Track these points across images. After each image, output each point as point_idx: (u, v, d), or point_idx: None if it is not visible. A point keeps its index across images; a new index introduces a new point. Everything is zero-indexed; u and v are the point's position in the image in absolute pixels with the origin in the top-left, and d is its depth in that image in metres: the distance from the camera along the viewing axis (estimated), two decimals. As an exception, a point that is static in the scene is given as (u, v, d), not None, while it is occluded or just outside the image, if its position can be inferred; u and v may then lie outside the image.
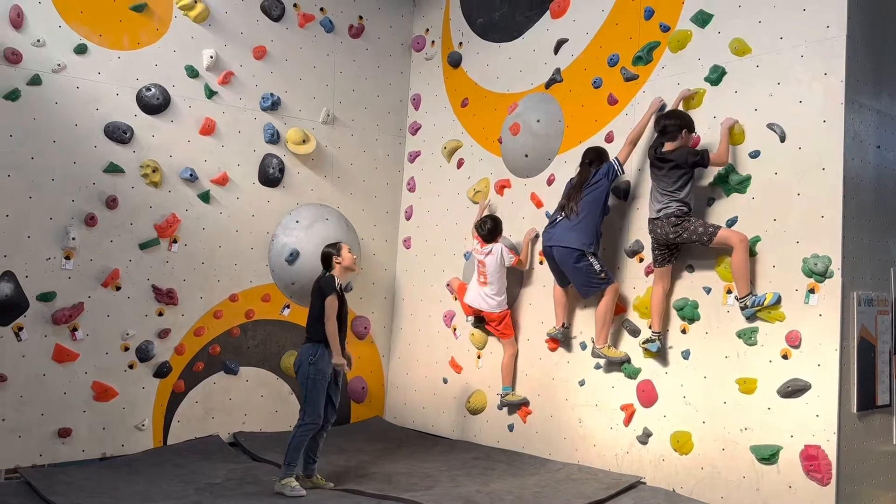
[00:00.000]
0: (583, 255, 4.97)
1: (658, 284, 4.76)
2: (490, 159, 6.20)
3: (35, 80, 5.11)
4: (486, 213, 6.00)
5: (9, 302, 4.96)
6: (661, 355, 4.84)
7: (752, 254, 4.44)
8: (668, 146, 4.62)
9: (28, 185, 5.08)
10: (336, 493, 4.66)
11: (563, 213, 5.10)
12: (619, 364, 5.01)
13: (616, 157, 5.04)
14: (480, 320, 5.89)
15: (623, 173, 5.06)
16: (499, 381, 5.84)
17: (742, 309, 4.41)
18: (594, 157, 5.13)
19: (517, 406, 5.67)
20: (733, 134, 4.58)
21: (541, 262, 5.65)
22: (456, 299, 6.27)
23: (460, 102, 6.53)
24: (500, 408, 5.81)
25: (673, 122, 4.64)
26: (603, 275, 5.00)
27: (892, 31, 4.53)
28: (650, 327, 4.83)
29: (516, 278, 5.83)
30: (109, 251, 5.38)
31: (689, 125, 4.64)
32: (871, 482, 4.25)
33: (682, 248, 4.72)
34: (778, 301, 4.30)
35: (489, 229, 5.68)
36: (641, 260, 5.05)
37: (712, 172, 4.66)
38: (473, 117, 6.41)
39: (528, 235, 5.73)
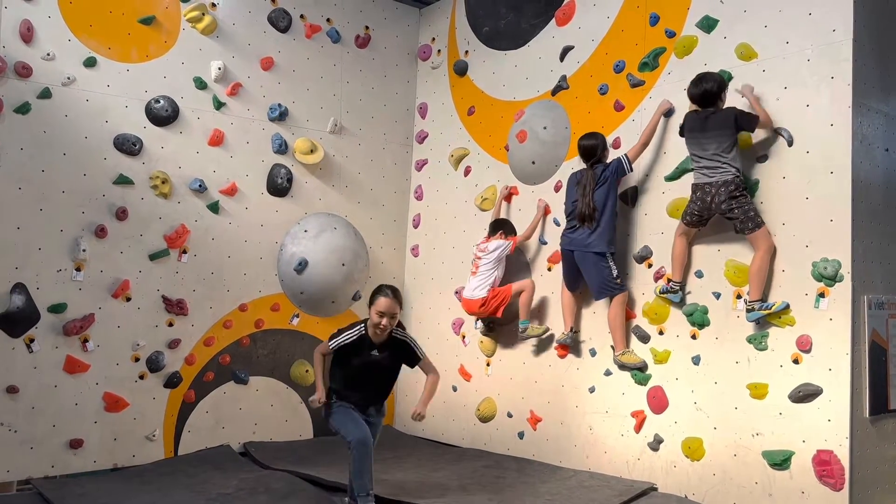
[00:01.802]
0: (604, 257, 4.98)
1: (681, 236, 4.69)
2: (497, 167, 6.21)
3: (45, 94, 5.16)
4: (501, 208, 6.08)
5: (20, 314, 4.99)
6: (671, 361, 4.83)
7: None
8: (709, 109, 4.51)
9: (38, 198, 5.11)
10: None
11: (578, 222, 5.06)
12: (639, 369, 4.98)
13: (626, 154, 5.02)
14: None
15: (631, 171, 5.04)
16: (508, 389, 5.84)
17: (748, 311, 4.38)
18: (598, 155, 5.08)
19: (547, 342, 5.56)
20: (741, 137, 4.57)
21: (549, 269, 5.65)
22: (464, 307, 6.29)
23: (467, 110, 6.56)
24: (521, 338, 5.64)
25: (712, 88, 4.44)
26: (619, 280, 5.00)
27: (899, 34, 4.52)
28: (669, 279, 4.78)
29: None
30: (119, 262, 5.42)
31: (724, 87, 4.49)
32: (884, 487, 4.22)
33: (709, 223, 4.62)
34: (786, 308, 4.29)
35: (493, 226, 5.80)
36: (650, 266, 5.04)
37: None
38: (480, 125, 6.43)
39: (539, 206, 5.74)
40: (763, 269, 4.32)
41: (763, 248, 4.31)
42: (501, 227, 5.77)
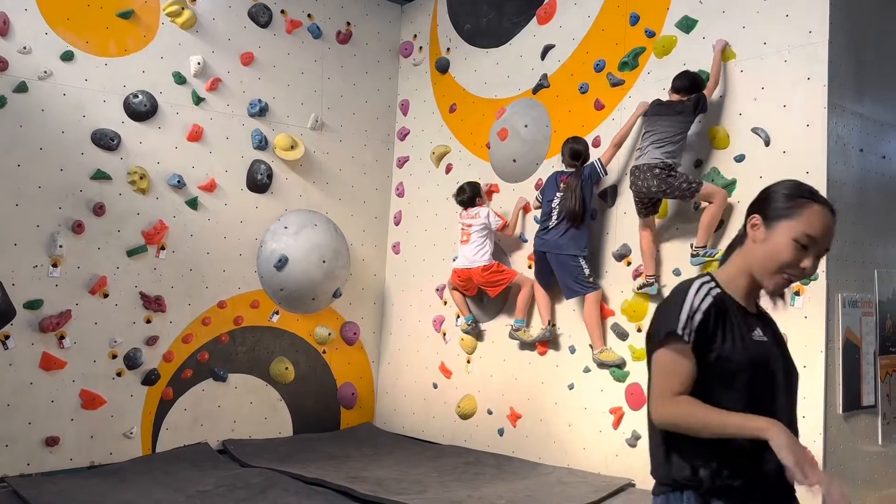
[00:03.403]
0: (576, 258, 5.03)
1: (644, 230, 4.83)
2: (478, 164, 6.22)
3: (21, 88, 5.09)
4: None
5: (-5, 310, 4.93)
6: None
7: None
8: (674, 97, 4.67)
9: (14, 193, 5.05)
10: (328, 492, 4.66)
11: (555, 219, 5.12)
12: (617, 366, 5.02)
13: (599, 159, 5.08)
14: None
15: (606, 175, 5.10)
16: (488, 386, 5.86)
17: (692, 256, 4.53)
18: (584, 157, 5.14)
19: (530, 345, 5.57)
20: (719, 137, 4.63)
21: (529, 267, 5.68)
22: (446, 303, 6.29)
23: (448, 108, 6.56)
24: (511, 336, 5.61)
25: (688, 83, 4.60)
26: (591, 279, 5.05)
27: (874, 36, 4.58)
28: (644, 275, 4.85)
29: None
30: (97, 258, 5.36)
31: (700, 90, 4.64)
32: (857, 482, 4.28)
33: (663, 209, 4.79)
34: None
35: (468, 196, 5.82)
36: (629, 263, 5.08)
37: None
38: (461, 122, 6.44)
39: (518, 204, 5.80)
40: (714, 220, 4.45)
41: (719, 198, 4.42)
42: (473, 196, 5.80)
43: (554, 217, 5.15)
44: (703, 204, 4.58)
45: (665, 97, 4.85)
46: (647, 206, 4.75)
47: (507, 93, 6.07)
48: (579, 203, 5.00)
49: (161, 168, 5.68)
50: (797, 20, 4.37)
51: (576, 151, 5.15)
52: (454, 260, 5.99)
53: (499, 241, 5.84)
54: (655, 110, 4.72)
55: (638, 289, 4.89)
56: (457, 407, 6.09)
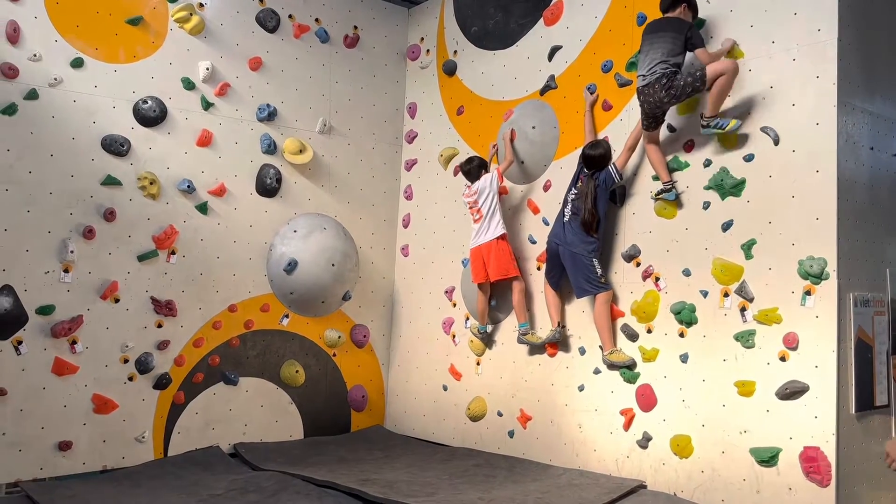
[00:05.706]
0: (588, 257, 5.02)
1: (650, 144, 4.87)
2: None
3: (32, 95, 5.13)
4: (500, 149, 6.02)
5: (8, 316, 4.96)
6: (659, 359, 4.85)
7: (749, 256, 4.47)
8: (668, 15, 4.69)
9: (26, 199, 5.09)
10: (339, 494, 4.67)
11: (568, 214, 5.14)
12: (627, 367, 5.00)
13: (613, 164, 5.06)
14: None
15: (621, 180, 5.08)
16: (498, 388, 5.85)
17: (703, 126, 4.55)
18: (604, 164, 5.11)
19: (540, 347, 5.58)
20: (728, 136, 4.61)
21: (538, 268, 5.67)
22: (455, 305, 6.29)
23: (456, 110, 6.56)
24: (519, 340, 5.67)
25: None
26: (602, 279, 5.03)
27: (883, 34, 4.55)
28: (662, 181, 4.86)
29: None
30: (108, 264, 5.40)
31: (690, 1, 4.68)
32: (871, 483, 4.25)
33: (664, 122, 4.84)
34: (738, 129, 4.47)
35: (476, 165, 5.85)
36: (638, 264, 5.06)
37: (710, 173, 4.69)
38: (469, 125, 6.44)
39: (505, 136, 5.84)
40: (725, 90, 4.48)
41: (730, 70, 4.42)
42: (480, 166, 5.83)
43: (567, 212, 5.15)
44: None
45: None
46: (655, 119, 4.76)
47: (514, 94, 6.07)
48: (590, 213, 4.99)
49: (171, 173, 5.71)
50: (806, 18, 4.34)
51: (589, 159, 5.11)
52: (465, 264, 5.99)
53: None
54: (655, 28, 4.70)
55: (657, 195, 4.89)
56: (467, 409, 6.09)
